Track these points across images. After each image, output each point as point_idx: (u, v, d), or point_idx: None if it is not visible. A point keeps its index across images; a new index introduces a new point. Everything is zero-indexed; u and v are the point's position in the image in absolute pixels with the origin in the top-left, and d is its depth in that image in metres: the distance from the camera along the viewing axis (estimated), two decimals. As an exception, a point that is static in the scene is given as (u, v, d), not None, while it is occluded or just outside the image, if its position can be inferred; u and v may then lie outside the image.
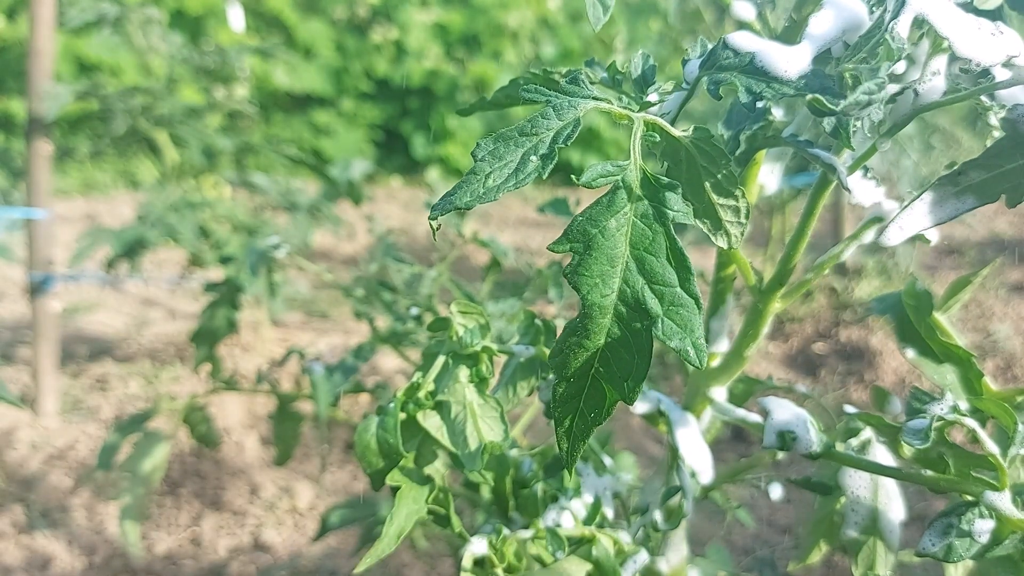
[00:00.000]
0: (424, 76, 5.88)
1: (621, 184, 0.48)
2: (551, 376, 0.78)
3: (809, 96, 0.46)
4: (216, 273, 2.60)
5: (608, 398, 0.49)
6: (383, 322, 1.54)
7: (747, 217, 0.53)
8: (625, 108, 0.51)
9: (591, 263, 0.47)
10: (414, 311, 1.44)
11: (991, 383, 0.76)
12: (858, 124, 0.50)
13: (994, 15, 0.53)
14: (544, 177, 0.47)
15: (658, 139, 0.50)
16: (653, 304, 0.47)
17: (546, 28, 6.15)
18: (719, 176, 0.52)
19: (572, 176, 0.47)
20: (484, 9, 6.01)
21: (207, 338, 1.88)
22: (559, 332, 0.80)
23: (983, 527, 0.65)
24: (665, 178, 0.48)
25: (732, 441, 2.41)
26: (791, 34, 0.64)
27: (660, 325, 0.47)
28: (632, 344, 0.47)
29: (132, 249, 2.38)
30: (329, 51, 5.88)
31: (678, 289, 0.47)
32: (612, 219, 0.48)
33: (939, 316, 0.78)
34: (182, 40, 2.93)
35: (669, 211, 0.47)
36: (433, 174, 5.79)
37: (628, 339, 0.47)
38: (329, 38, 5.91)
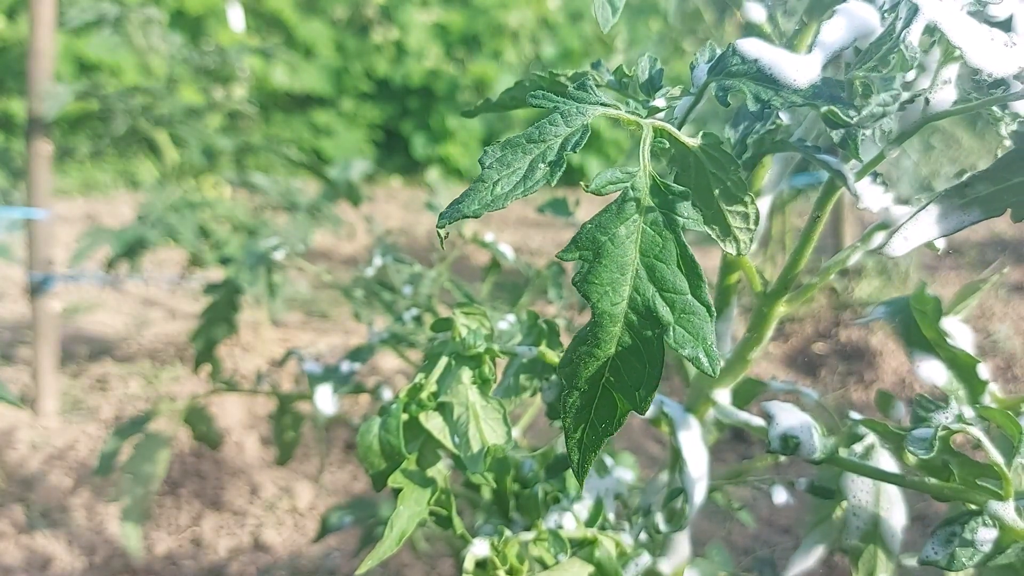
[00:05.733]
0: (424, 76, 5.87)
1: (631, 191, 0.47)
2: (554, 378, 0.78)
3: (824, 108, 0.46)
4: (216, 273, 2.60)
5: (619, 408, 0.48)
6: (382, 323, 1.54)
7: (756, 223, 0.52)
8: (633, 114, 0.50)
9: (601, 271, 0.47)
10: (413, 312, 1.43)
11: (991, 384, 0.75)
12: (867, 133, 0.49)
13: (1005, 26, 0.52)
14: (552, 184, 0.46)
15: (667, 145, 0.50)
16: (664, 312, 0.46)
17: (546, 28, 6.15)
18: (728, 183, 0.51)
19: (575, 179, 0.47)
20: (484, 9, 6.01)
21: (207, 339, 1.88)
22: (561, 331, 0.80)
23: (986, 536, 0.65)
24: (675, 184, 0.48)
25: (732, 442, 2.41)
26: (802, 36, 0.63)
27: (671, 333, 0.46)
28: (643, 353, 0.46)
29: (132, 249, 2.38)
30: (329, 51, 5.87)
31: (689, 296, 0.46)
32: (622, 226, 0.47)
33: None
34: (182, 40, 2.93)
35: (679, 218, 0.47)
36: (433, 174, 5.79)
37: (639, 348, 0.46)
38: (329, 38, 5.90)
